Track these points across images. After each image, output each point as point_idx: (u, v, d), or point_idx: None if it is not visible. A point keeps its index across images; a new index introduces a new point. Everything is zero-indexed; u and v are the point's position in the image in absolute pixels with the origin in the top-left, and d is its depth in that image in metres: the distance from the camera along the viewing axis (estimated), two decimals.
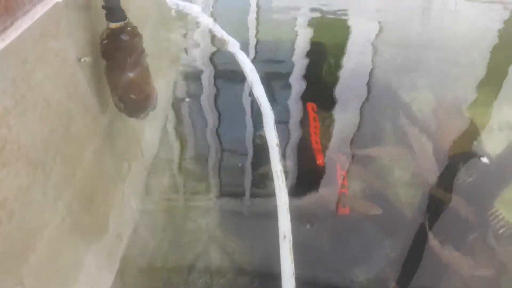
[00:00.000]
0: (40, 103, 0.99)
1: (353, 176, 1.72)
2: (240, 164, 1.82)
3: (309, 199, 1.60)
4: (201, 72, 2.34)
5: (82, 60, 1.17)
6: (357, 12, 2.83)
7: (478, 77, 2.26)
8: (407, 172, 1.75)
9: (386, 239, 1.51)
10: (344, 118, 2.01)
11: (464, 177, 1.71)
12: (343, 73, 2.32)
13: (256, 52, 2.46)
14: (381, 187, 1.65)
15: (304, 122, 1.97)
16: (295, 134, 1.95)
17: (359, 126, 1.97)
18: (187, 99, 2.08)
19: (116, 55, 1.21)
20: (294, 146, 1.90)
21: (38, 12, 0.98)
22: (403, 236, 1.54)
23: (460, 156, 1.81)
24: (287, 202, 1.19)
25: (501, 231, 1.51)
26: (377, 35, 2.59)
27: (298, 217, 1.36)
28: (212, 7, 2.78)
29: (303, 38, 2.59)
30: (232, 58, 1.60)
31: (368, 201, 1.59)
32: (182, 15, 2.48)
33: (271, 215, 1.32)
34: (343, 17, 2.75)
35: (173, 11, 2.14)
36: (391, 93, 2.15)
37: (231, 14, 2.80)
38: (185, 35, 2.56)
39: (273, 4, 2.89)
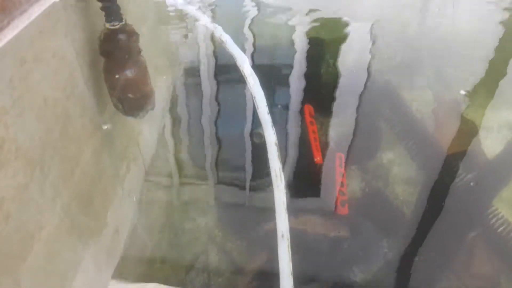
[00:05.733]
0: (38, 103, 0.98)
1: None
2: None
3: None
4: (200, 72, 2.34)
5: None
6: (355, 11, 2.82)
7: (477, 76, 2.26)
8: (406, 171, 1.76)
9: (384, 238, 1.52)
10: (342, 119, 2.01)
11: (462, 175, 1.71)
12: (341, 74, 2.32)
13: (253, 52, 2.46)
14: None
15: (302, 124, 1.97)
16: (293, 133, 1.95)
17: (357, 127, 1.97)
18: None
19: (113, 55, 1.21)
20: (292, 145, 1.90)
21: (35, 11, 0.98)
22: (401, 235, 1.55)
23: (458, 155, 1.81)
24: (285, 200, 1.19)
25: (500, 229, 1.51)
26: (375, 35, 2.59)
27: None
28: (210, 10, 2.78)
29: (301, 37, 2.59)
30: (231, 58, 1.61)
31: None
32: (181, 15, 2.48)
33: (271, 213, 1.32)
34: (341, 18, 2.75)
35: (171, 10, 2.14)
36: (389, 92, 2.15)
37: (227, 16, 2.80)
38: (184, 35, 2.56)
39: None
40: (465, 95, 1.94)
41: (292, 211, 1.52)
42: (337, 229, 1.54)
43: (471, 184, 1.68)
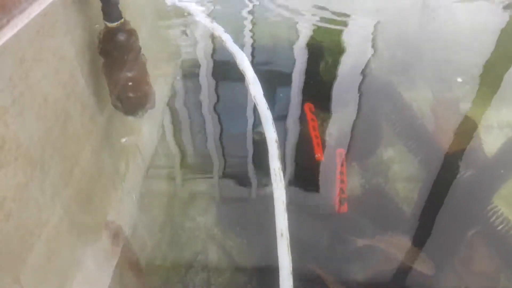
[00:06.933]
0: (38, 101, 0.98)
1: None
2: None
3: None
4: (200, 70, 2.33)
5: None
6: (355, 11, 2.82)
7: (477, 74, 2.26)
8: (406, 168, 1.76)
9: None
10: (343, 117, 2.01)
11: (462, 173, 1.71)
12: (341, 72, 2.31)
13: (252, 51, 2.46)
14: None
15: (302, 122, 1.97)
16: (294, 131, 1.95)
17: (357, 124, 1.97)
18: None
19: (113, 54, 1.20)
20: (293, 142, 1.90)
21: (34, 10, 0.98)
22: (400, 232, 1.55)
23: (458, 152, 1.81)
24: (285, 199, 1.19)
25: (500, 227, 1.51)
26: (375, 34, 2.59)
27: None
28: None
29: (301, 36, 2.58)
30: (231, 56, 1.61)
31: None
32: (180, 13, 2.48)
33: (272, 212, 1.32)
34: (342, 17, 2.74)
35: (170, 8, 2.14)
36: (389, 91, 2.15)
37: (228, 15, 2.79)
38: (184, 33, 2.55)
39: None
40: (462, 82, 1.94)
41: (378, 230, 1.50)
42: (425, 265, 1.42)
43: (502, 171, 1.69)
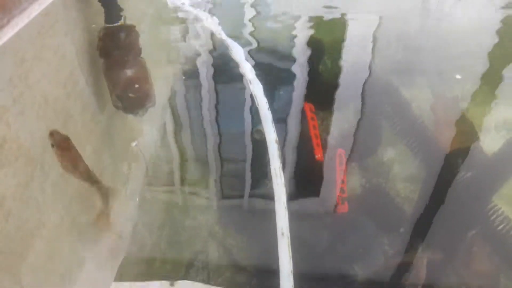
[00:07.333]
0: (39, 101, 0.99)
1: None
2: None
3: None
4: (200, 70, 2.33)
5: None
6: (356, 9, 2.81)
7: (477, 74, 2.26)
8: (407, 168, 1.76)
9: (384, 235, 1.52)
10: (343, 116, 2.01)
11: (462, 172, 1.71)
12: (342, 71, 2.31)
13: (252, 50, 2.45)
14: None
15: (302, 121, 1.97)
16: (294, 131, 1.95)
17: (358, 124, 1.97)
18: None
19: (113, 53, 1.21)
20: (293, 143, 1.90)
21: (35, 10, 0.98)
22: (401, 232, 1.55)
23: (458, 151, 1.81)
24: (285, 199, 1.19)
25: (500, 226, 1.51)
26: (376, 33, 2.58)
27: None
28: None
29: (301, 35, 2.58)
30: (231, 56, 1.61)
31: None
32: (180, 12, 2.47)
33: (271, 212, 1.32)
34: (342, 15, 2.74)
35: (170, 7, 2.14)
36: (390, 90, 2.15)
37: (228, 12, 2.79)
38: (184, 33, 2.55)
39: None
40: (461, 79, 1.94)
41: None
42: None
43: (503, 170, 1.69)
